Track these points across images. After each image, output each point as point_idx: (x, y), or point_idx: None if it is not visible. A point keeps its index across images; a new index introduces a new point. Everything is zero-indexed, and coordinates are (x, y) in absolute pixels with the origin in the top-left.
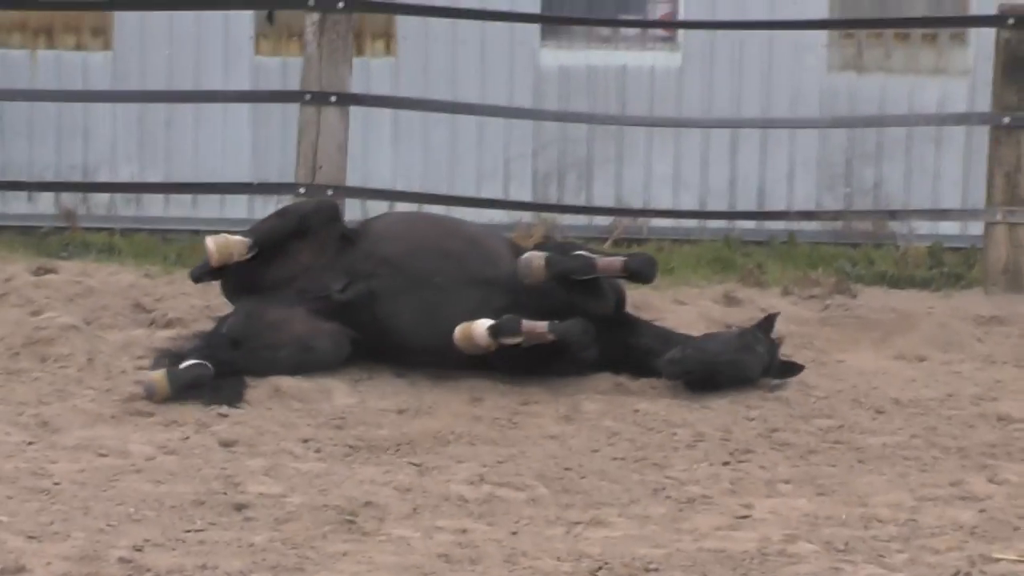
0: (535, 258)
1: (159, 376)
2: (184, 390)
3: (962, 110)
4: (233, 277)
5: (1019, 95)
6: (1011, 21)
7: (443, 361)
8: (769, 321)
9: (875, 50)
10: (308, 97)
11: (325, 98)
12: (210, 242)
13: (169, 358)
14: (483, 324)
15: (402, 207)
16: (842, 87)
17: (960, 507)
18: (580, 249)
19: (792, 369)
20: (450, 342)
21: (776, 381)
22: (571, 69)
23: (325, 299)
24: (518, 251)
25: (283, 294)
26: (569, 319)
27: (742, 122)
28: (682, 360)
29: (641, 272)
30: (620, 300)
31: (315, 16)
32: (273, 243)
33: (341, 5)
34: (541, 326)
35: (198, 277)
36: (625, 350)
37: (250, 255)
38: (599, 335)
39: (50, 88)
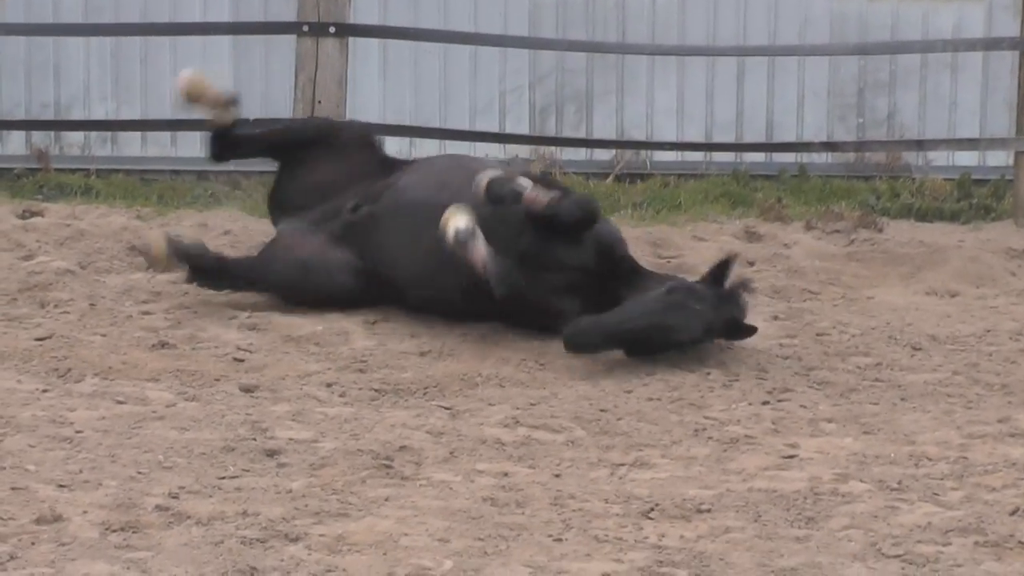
0: (482, 177)
1: (157, 236)
2: (178, 258)
3: (979, 35)
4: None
5: None
6: None
7: (432, 304)
8: (721, 269)
9: None
10: (306, 28)
11: (324, 29)
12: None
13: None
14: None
15: (392, 142)
16: (853, 13)
17: (1011, 444)
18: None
19: (743, 331)
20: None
21: (726, 343)
22: None
23: (337, 219)
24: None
25: (308, 214)
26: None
27: (749, 50)
28: (577, 334)
29: (563, 217)
30: (609, 250)
31: None
32: (284, 143)
33: None
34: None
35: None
36: (617, 301)
37: (231, 114)
38: (591, 286)
39: (19, 22)
